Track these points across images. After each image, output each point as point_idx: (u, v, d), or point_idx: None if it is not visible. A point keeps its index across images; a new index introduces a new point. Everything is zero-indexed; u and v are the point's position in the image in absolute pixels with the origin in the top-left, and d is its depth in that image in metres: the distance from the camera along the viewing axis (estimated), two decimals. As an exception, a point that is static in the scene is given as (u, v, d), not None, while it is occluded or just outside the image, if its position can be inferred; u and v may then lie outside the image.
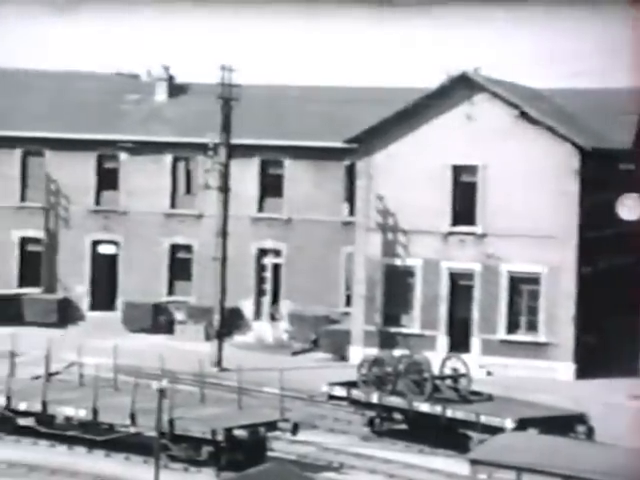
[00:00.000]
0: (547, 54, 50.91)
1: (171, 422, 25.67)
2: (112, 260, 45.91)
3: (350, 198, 42.63)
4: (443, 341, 38.69)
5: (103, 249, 46.06)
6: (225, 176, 38.69)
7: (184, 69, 48.37)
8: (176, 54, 52.03)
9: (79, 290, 45.78)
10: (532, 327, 38.21)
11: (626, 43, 39.01)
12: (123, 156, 45.84)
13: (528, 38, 52.73)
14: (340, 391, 30.11)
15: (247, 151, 42.94)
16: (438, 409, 28.11)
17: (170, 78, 47.99)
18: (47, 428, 27.61)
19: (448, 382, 29.47)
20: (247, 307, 44.14)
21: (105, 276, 45.79)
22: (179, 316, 43.96)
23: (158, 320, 44.13)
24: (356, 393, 29.73)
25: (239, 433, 25.48)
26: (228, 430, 25.46)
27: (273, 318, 43.91)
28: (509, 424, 26.61)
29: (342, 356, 39.57)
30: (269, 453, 26.28)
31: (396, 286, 39.34)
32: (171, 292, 45.16)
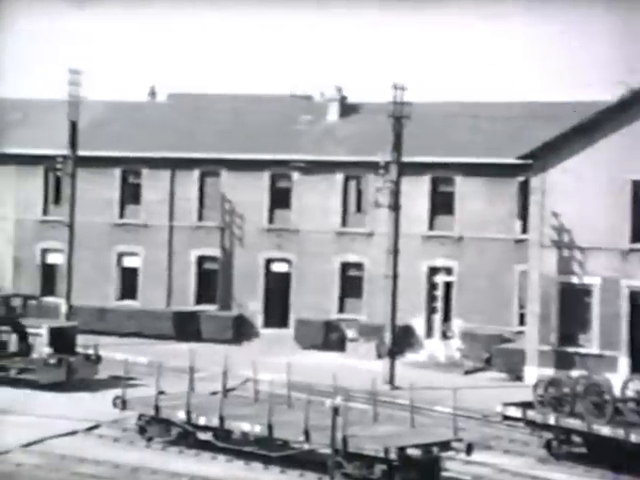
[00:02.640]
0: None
1: (345, 440, 25.73)
2: (285, 278, 46.63)
3: (523, 215, 41.96)
4: (624, 362, 37.44)
5: (276, 267, 46.86)
6: (396, 194, 38.70)
7: (356, 88, 48.91)
8: (348, 74, 52.65)
9: (253, 307, 46.69)
10: None
11: None
12: (295, 175, 46.58)
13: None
14: (515, 412, 29.52)
15: (418, 169, 42.89)
16: (621, 433, 27.16)
17: (342, 98, 48.54)
18: (225, 443, 28.13)
19: (631, 405, 28.45)
20: (418, 325, 44.02)
21: (278, 294, 46.55)
22: (350, 333, 44.18)
23: (330, 337, 44.52)
24: (532, 414, 29.08)
25: (412, 452, 25.31)
26: (401, 449, 25.33)
27: (445, 336, 43.62)
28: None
29: (516, 376, 38.87)
30: (443, 473, 26.02)
31: (572, 305, 38.38)
32: (342, 310, 45.49)
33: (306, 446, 26.85)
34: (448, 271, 44.09)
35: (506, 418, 29.97)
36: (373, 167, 40.61)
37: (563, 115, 39.89)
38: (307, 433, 26.57)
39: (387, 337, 38.46)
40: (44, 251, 49.12)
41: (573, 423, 28.21)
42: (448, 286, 44.06)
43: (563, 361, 37.72)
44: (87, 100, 46.65)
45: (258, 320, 46.72)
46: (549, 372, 34.77)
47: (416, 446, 25.50)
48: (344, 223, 45.92)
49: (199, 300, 47.40)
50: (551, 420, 28.57)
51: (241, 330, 46.21)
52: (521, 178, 42.08)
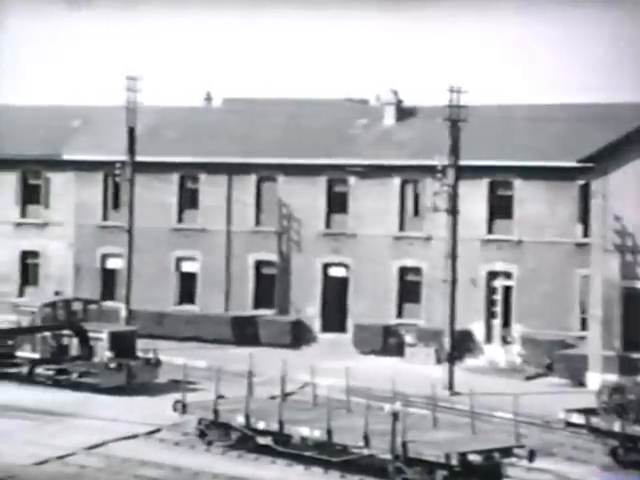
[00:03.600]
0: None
1: (404, 445, 25.59)
2: (342, 282, 46.56)
3: (584, 218, 41.48)
4: (690, 368, 36.79)
5: (333, 272, 46.81)
6: (454, 198, 38.47)
7: (412, 91, 48.71)
8: (405, 77, 52.49)
9: (310, 312, 46.68)
10: None
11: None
12: (352, 180, 46.51)
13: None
14: (578, 418, 29.12)
15: (476, 172, 42.58)
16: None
17: (398, 102, 48.37)
18: (284, 447, 28.11)
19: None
20: (478, 330, 43.68)
21: (335, 298, 46.49)
22: (409, 339, 43.98)
23: (388, 342, 44.36)
24: (596, 421, 28.65)
25: (473, 458, 25.09)
26: (462, 455, 25.12)
27: (505, 341, 43.23)
28: None
29: (579, 382, 38.37)
30: (504, 480, 25.79)
31: (636, 309, 37.79)
32: (400, 314, 45.30)
33: (366, 451, 26.77)
34: (507, 275, 43.72)
35: (569, 425, 29.57)
36: (430, 171, 40.40)
37: (620, 117, 39.27)
38: (366, 438, 26.47)
39: (446, 342, 38.20)
40: (104, 256, 49.57)
41: (639, 430, 27.73)
42: (507, 290, 43.68)
43: (627, 367, 37.10)
44: (144, 106, 47.08)
45: (316, 325, 46.70)
46: (613, 378, 34.22)
47: (477, 452, 25.28)
48: (401, 227, 45.74)
49: (257, 305, 47.50)
50: (616, 427, 28.11)
51: (299, 335, 46.22)
52: (582, 181, 41.59)
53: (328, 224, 46.96)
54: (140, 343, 37.84)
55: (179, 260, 48.69)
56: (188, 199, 48.99)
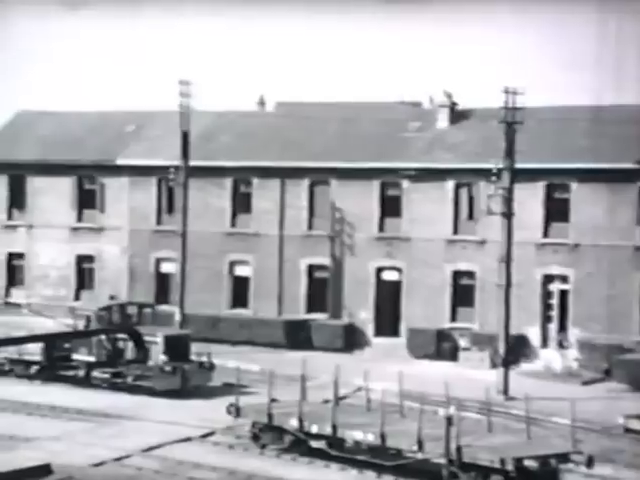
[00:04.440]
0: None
1: (459, 449, 25.40)
2: (395, 286, 46.39)
3: (644, 221, 40.93)
4: None
5: (386, 275, 46.66)
6: (508, 201, 38.14)
7: (466, 94, 48.39)
8: (458, 80, 52.20)
9: (363, 316, 46.56)
10: None
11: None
12: (405, 183, 46.33)
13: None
14: (638, 424, 28.69)
15: (531, 175, 42.19)
16: None
17: (452, 104, 48.10)
18: (338, 451, 28.05)
19: None
20: (533, 334, 43.25)
21: (389, 302, 46.33)
22: (463, 343, 43.67)
23: (442, 346, 44.10)
24: (655, 427, 28.25)
25: (529, 464, 24.82)
26: (518, 460, 24.87)
27: (561, 346, 42.75)
28: None
29: (638, 387, 37.77)
30: (561, 486, 25.47)
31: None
32: (454, 318, 45.02)
33: (420, 455, 26.60)
34: (564, 279, 43.24)
35: (628, 431, 29.16)
36: (485, 174, 40.13)
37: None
38: (420, 442, 26.32)
39: (501, 346, 37.88)
40: (158, 260, 49.89)
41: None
42: (564, 294, 43.21)
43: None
44: (198, 110, 47.36)
45: (369, 329, 46.56)
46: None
47: (533, 457, 25.00)
48: (455, 231, 45.46)
49: (310, 309, 47.48)
50: (676, 433, 27.67)
51: (352, 339, 46.12)
52: (641, 184, 41.06)
53: (381, 228, 46.81)
54: (194, 347, 37.99)
55: (232, 264, 48.84)
56: (241, 203, 49.13)
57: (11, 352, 38.59)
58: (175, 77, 46.15)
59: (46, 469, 25.97)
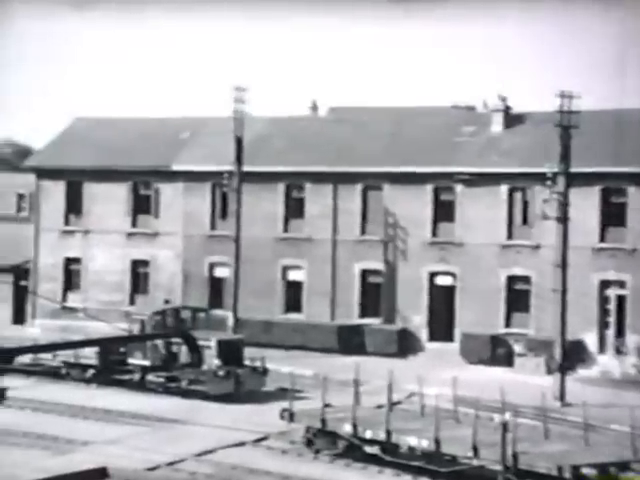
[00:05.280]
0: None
1: (515, 456, 25.16)
2: (449, 291, 46.14)
3: None
4: None
5: (440, 280, 46.43)
6: (564, 206, 37.75)
7: (520, 98, 48.08)
8: (511, 83, 51.86)
9: (417, 321, 46.38)
10: None
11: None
12: (459, 188, 46.09)
13: None
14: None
15: (587, 179, 41.76)
16: None
17: (506, 108, 47.79)
18: (392, 457, 27.93)
19: None
20: (590, 340, 42.75)
21: (442, 307, 46.10)
22: (518, 348, 43.29)
23: (496, 352, 43.76)
24: None
25: (587, 472, 24.49)
26: (575, 468, 24.56)
27: (619, 352, 42.18)
28: None
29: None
30: (620, 495, 25.07)
31: None
32: (509, 324, 44.66)
33: (475, 462, 26.39)
34: (621, 284, 42.69)
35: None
36: (539, 178, 39.79)
37: None
38: (476, 449, 26.11)
39: (557, 352, 37.47)
40: (212, 265, 50.12)
41: None
42: (621, 300, 42.65)
43: None
44: (252, 116, 47.55)
45: (422, 334, 46.36)
46: None
47: (591, 465, 24.67)
48: (509, 236, 45.11)
49: (363, 313, 47.39)
50: None
51: (405, 344, 45.95)
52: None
53: (434, 232, 46.61)
54: (247, 351, 38.08)
55: (285, 269, 48.92)
56: (294, 208, 49.21)
57: (68, 356, 39.05)
58: (228, 83, 46.46)
59: (102, 472, 26.23)
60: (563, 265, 37.51)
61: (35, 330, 49.84)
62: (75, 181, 52.74)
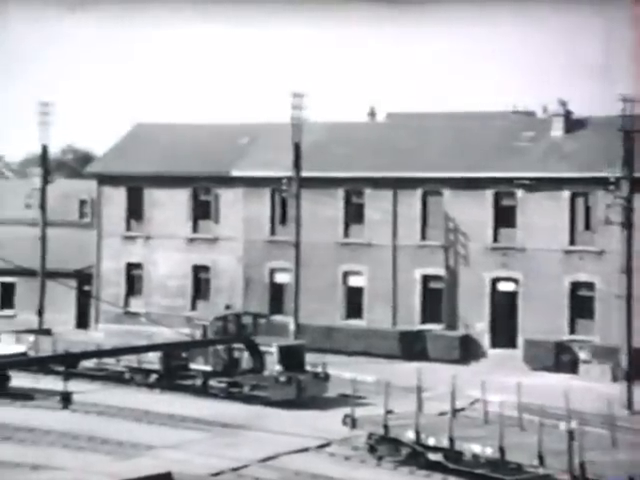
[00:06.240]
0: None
1: (582, 465, 24.85)
2: (511, 297, 45.76)
3: None
4: None
5: (502, 286, 46.07)
6: (628, 211, 37.27)
7: (580, 102, 47.58)
8: (572, 88, 51.32)
9: (479, 327, 46.04)
10: None
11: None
12: (520, 193, 45.72)
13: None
14: None
15: (652, 184, 41.10)
16: None
17: (567, 113, 47.32)
18: (455, 464, 27.74)
19: None
20: (660, 347, 42.08)
21: (505, 313, 45.72)
22: (583, 355, 42.79)
23: (560, 359, 43.28)
24: None
25: (657, 481, 24.13)
26: (645, 477, 24.20)
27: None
28: None
29: None
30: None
31: None
32: (573, 330, 44.15)
33: (541, 470, 26.14)
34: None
35: None
36: (602, 183, 39.34)
37: None
38: (541, 457, 25.84)
39: (623, 359, 36.98)
40: (272, 270, 50.22)
41: None
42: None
43: None
44: (310, 122, 47.62)
45: (485, 340, 46.01)
46: None
47: (662, 475, 24.29)
48: (572, 241, 44.63)
49: (424, 319, 47.16)
50: None
51: (468, 350, 45.63)
52: None
53: (496, 238, 46.26)
54: (308, 357, 38.10)
55: (346, 274, 48.86)
56: (353, 214, 49.14)
57: (131, 361, 39.37)
58: (287, 89, 46.52)
59: (167, 477, 26.37)
60: (628, 271, 37.02)
61: (98, 335, 50.32)
62: (136, 187, 53.17)
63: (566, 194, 44.77)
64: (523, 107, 52.24)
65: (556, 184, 44.80)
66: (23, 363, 35.10)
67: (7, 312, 55.18)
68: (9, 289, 55.57)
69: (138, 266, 52.79)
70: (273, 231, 50.41)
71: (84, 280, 53.78)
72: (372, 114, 54.90)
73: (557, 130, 47.37)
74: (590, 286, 43.97)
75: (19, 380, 37.61)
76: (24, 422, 32.34)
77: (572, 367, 42.80)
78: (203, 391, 37.69)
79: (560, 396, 29.58)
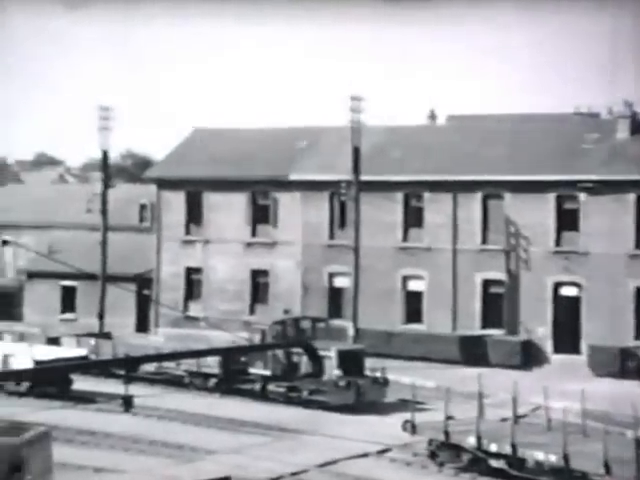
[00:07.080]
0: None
1: (650, 474, 24.24)
2: (574, 302, 45.01)
3: None
4: None
5: (565, 291, 45.33)
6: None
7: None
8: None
9: (541, 332, 45.35)
10: None
11: None
12: (583, 196, 44.98)
13: None
14: None
15: None
16: None
17: (633, 114, 46.49)
18: (518, 471, 27.24)
19: None
20: None
21: (567, 318, 44.99)
22: (649, 361, 41.95)
23: (626, 365, 42.44)
24: None
25: None
26: None
27: None
28: None
29: None
30: None
31: None
32: (639, 336, 43.27)
33: (607, 479, 25.48)
34: None
35: None
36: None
37: None
38: (607, 465, 25.22)
39: (691, 366, 36.11)
40: (331, 275, 49.99)
41: None
42: None
43: None
44: (369, 126, 47.32)
45: (547, 345, 45.30)
46: None
47: None
48: (638, 245, 43.77)
49: (485, 324, 46.59)
50: None
51: (529, 355, 44.96)
52: None
53: (558, 242, 45.55)
54: (367, 362, 37.78)
55: (405, 279, 48.47)
56: (413, 217, 48.74)
57: (190, 365, 39.39)
58: (346, 92, 46.34)
59: (226, 481, 26.22)
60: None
61: (158, 338, 50.53)
62: (195, 191, 53.33)
63: (632, 197, 43.96)
64: (587, 108, 51.46)
65: (621, 187, 44.02)
66: (85, 366, 35.22)
67: (68, 316, 55.72)
68: (70, 293, 56.10)
69: (197, 270, 52.89)
70: (332, 235, 50.17)
71: (144, 284, 54.07)
72: (432, 117, 54.47)
73: (623, 132, 46.59)
74: (656, 291, 43.14)
75: (80, 383, 37.87)
76: (86, 425, 32.51)
77: (638, 373, 41.94)
78: (262, 395, 37.58)
79: (626, 403, 28.95)
